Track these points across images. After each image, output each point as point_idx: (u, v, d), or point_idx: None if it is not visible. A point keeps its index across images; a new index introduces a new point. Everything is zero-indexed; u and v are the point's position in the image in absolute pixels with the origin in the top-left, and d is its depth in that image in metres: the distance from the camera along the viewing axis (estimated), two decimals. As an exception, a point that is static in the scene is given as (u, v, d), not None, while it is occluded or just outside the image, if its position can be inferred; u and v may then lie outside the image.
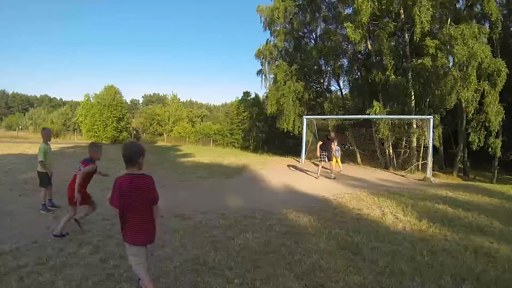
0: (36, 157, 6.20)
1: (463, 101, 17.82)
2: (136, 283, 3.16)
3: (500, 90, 17.44)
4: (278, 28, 28.76)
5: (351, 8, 22.31)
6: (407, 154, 20.02)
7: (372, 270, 3.89)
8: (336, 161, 14.26)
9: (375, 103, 20.19)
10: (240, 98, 42.70)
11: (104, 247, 4.31)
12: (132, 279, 3.41)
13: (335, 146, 13.37)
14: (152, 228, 2.93)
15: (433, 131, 15.35)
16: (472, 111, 17.84)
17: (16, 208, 6.22)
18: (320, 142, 12.34)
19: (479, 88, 17.41)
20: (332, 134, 12.94)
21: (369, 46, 22.14)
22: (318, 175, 12.14)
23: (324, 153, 12.07)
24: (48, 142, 6.45)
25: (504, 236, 5.46)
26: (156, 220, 2.98)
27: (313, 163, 17.99)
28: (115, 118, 39.74)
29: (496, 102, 17.70)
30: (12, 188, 8.11)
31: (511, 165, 23.75)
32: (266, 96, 31.30)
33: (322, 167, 12.49)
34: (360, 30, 19.92)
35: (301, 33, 30.11)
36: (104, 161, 14.62)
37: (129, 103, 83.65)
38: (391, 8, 19.83)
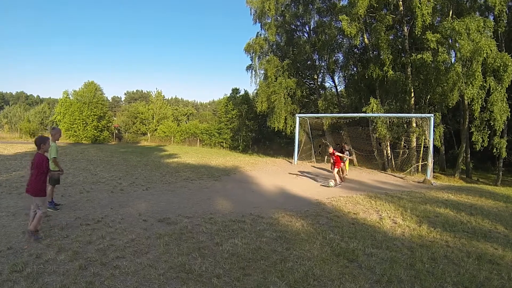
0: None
1: (466, 98, 17.96)
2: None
3: (507, 86, 17.58)
4: (269, 21, 28.79)
5: (346, -1, 22.46)
6: (406, 155, 20.23)
7: (369, 278, 3.90)
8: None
9: (372, 100, 20.35)
10: (228, 95, 42.56)
11: (84, 254, 4.25)
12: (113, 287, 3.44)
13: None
14: (39, 187, 4.90)
15: (433, 130, 15.50)
16: (478, 109, 17.94)
17: (-12, 212, 6.11)
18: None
19: (485, 84, 17.55)
20: (346, 146, 13.87)
21: (366, 40, 22.30)
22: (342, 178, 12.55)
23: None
24: (56, 141, 6.65)
25: (509, 242, 5.53)
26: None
27: (309, 164, 18.06)
28: (96, 117, 39.35)
29: (504, 99, 17.80)
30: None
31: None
32: (256, 93, 31.31)
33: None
34: (356, 23, 20.04)
35: (293, 26, 30.18)
36: (83, 161, 14.56)
37: (110, 101, 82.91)
38: (389, 0, 20.01)
